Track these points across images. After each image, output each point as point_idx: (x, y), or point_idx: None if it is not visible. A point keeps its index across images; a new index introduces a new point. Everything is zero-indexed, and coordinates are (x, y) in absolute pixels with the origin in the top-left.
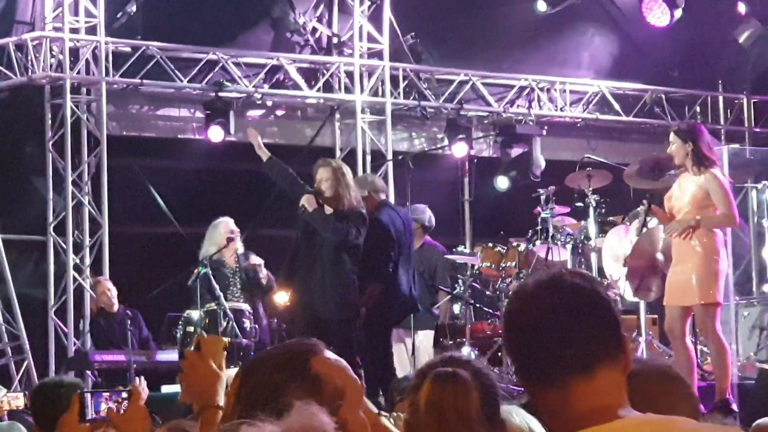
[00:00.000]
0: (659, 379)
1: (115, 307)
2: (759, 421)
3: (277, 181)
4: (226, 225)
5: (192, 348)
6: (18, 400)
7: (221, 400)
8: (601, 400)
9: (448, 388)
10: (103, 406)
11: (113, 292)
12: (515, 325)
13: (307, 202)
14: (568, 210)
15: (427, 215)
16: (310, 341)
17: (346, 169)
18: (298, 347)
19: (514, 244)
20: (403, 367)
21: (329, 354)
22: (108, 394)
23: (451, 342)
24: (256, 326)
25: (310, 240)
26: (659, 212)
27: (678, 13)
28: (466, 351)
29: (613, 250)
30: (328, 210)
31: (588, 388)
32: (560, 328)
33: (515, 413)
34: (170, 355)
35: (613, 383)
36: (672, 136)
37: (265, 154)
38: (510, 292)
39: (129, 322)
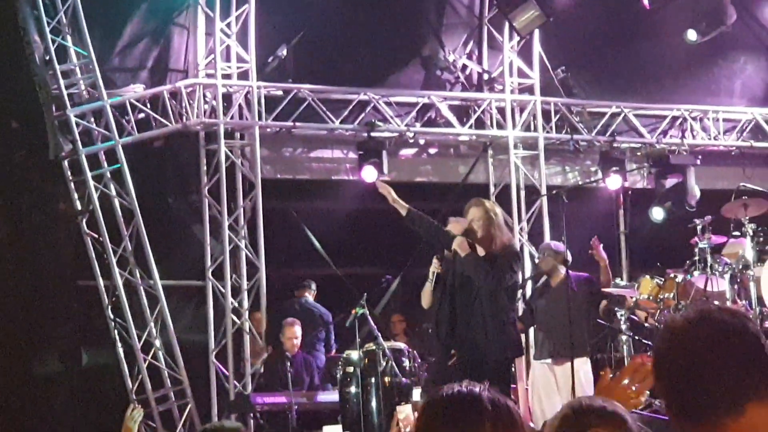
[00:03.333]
0: None
1: (295, 350)
2: None
3: (420, 232)
4: None
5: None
6: None
7: None
8: None
9: None
10: None
11: (298, 340)
12: (664, 363)
13: (459, 246)
14: (724, 240)
15: (563, 249)
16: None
17: (499, 209)
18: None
19: (672, 275)
20: (546, 394)
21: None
22: None
23: (611, 376)
24: (417, 364)
25: (467, 283)
26: None
27: None
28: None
29: None
30: (480, 251)
31: (738, 426)
32: (708, 365)
33: None
34: (331, 396)
35: (764, 420)
36: None
37: (402, 208)
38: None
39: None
